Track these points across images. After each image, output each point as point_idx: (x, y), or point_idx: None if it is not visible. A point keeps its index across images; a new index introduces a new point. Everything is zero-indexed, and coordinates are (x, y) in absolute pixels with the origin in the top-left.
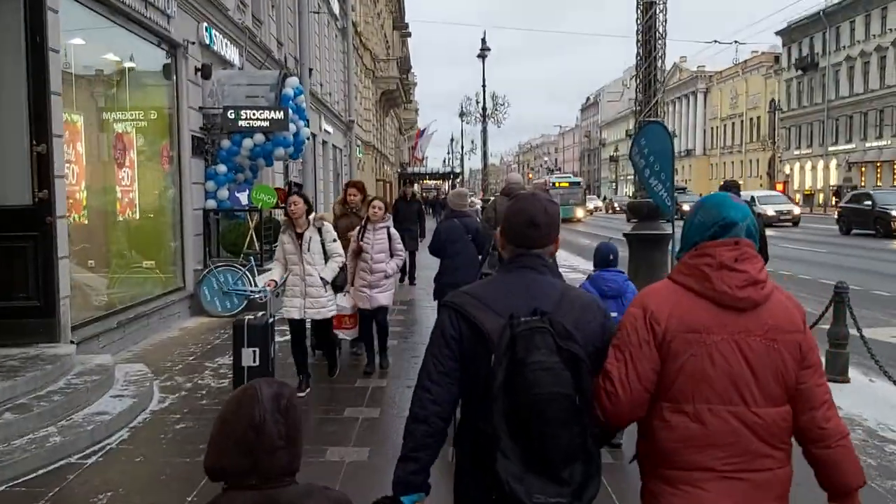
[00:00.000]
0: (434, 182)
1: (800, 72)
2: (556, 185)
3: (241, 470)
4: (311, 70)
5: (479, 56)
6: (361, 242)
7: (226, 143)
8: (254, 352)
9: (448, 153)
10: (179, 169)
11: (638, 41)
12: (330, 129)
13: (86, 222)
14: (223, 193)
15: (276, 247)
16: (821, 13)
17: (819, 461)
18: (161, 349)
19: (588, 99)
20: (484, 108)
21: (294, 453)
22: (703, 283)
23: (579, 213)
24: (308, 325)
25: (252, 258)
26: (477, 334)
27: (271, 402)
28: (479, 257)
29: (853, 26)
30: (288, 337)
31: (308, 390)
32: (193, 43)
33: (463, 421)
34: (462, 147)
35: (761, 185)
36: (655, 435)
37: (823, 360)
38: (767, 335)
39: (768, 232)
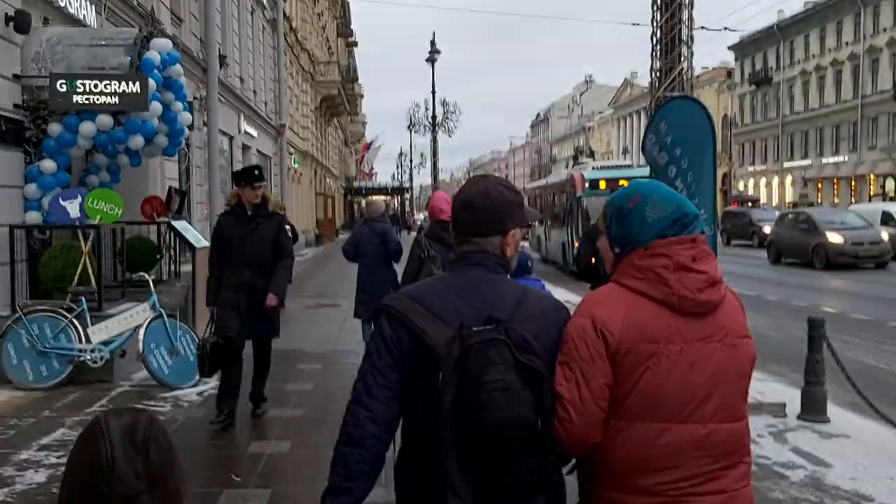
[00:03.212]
0: (383, 197)
1: (753, 87)
2: (601, 184)
3: None
4: (223, 57)
5: (428, 60)
6: None
7: (56, 128)
8: None
9: (397, 168)
10: None
11: None
12: (253, 131)
13: None
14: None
15: (136, 277)
16: (774, 27)
17: None
18: None
19: (538, 115)
20: (434, 116)
21: (165, 496)
22: (660, 286)
23: None
24: None
25: (84, 299)
26: (420, 347)
27: (122, 435)
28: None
29: (808, 41)
30: None
31: None
32: None
33: (404, 448)
34: (411, 161)
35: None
36: (600, 455)
37: None
38: (726, 340)
39: None
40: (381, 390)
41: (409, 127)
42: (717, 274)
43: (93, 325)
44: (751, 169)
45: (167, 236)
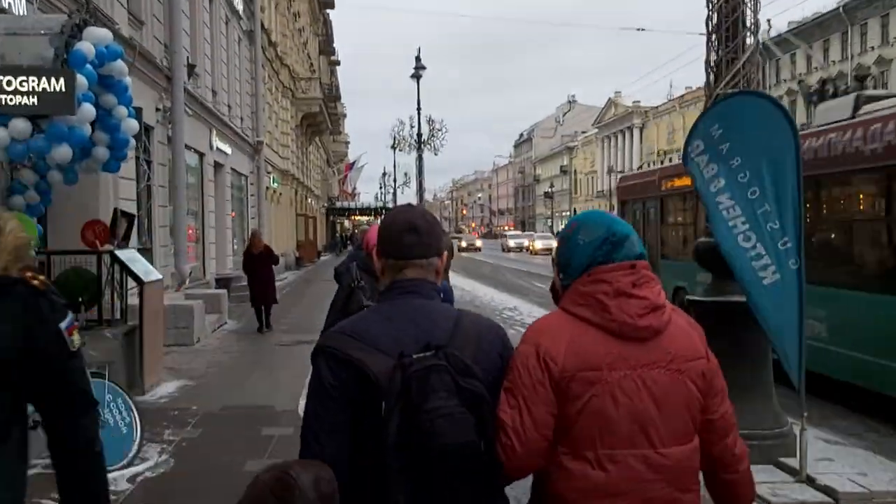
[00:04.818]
0: (366, 218)
1: None
2: None
3: None
4: (192, 67)
5: (413, 76)
6: None
7: None
8: None
9: (380, 188)
10: None
11: None
12: (227, 148)
13: None
14: None
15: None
16: (760, 46)
17: (727, 485)
18: None
19: (521, 135)
20: (419, 133)
21: None
22: (601, 312)
23: None
24: None
25: None
26: (362, 381)
27: (314, 489)
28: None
29: (794, 59)
30: None
31: None
32: None
33: (353, 466)
34: (395, 180)
35: None
36: (553, 485)
37: None
38: (671, 365)
39: None
40: (328, 436)
41: (392, 146)
42: (659, 299)
43: None
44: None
45: (110, 268)
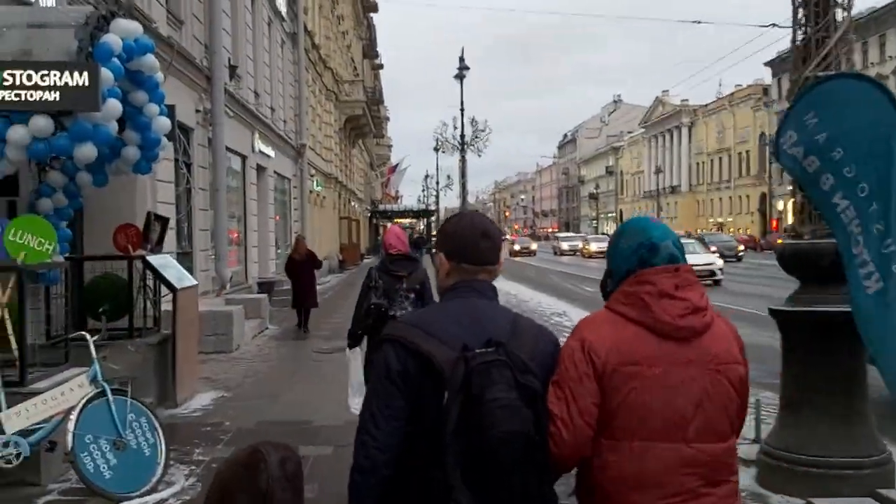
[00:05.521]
0: (408, 220)
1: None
2: None
3: None
4: (234, 68)
5: (456, 77)
6: None
7: None
8: None
9: (423, 190)
10: None
11: None
12: (270, 151)
13: None
14: None
15: (73, 335)
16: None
17: None
18: None
19: (565, 136)
20: (462, 135)
21: None
22: (644, 312)
23: None
24: None
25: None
26: (427, 369)
27: (279, 467)
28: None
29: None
30: None
31: None
32: None
33: (405, 464)
34: (437, 183)
35: (752, 223)
36: (593, 474)
37: None
38: (709, 365)
39: None
40: (387, 421)
41: (435, 148)
42: (701, 302)
43: (8, 407)
44: (790, 188)
45: (142, 275)
